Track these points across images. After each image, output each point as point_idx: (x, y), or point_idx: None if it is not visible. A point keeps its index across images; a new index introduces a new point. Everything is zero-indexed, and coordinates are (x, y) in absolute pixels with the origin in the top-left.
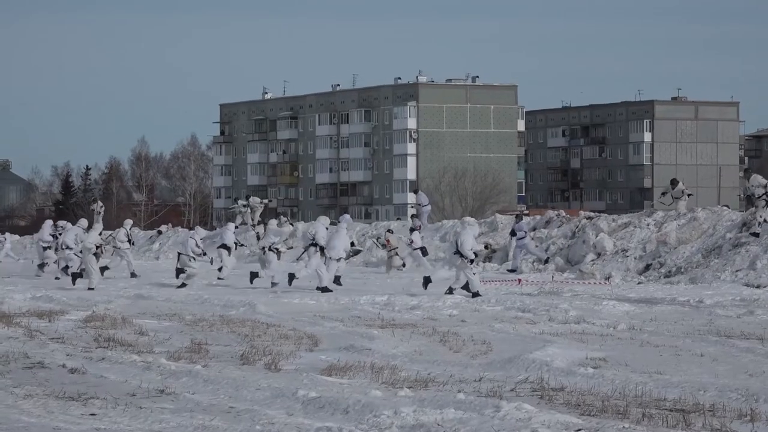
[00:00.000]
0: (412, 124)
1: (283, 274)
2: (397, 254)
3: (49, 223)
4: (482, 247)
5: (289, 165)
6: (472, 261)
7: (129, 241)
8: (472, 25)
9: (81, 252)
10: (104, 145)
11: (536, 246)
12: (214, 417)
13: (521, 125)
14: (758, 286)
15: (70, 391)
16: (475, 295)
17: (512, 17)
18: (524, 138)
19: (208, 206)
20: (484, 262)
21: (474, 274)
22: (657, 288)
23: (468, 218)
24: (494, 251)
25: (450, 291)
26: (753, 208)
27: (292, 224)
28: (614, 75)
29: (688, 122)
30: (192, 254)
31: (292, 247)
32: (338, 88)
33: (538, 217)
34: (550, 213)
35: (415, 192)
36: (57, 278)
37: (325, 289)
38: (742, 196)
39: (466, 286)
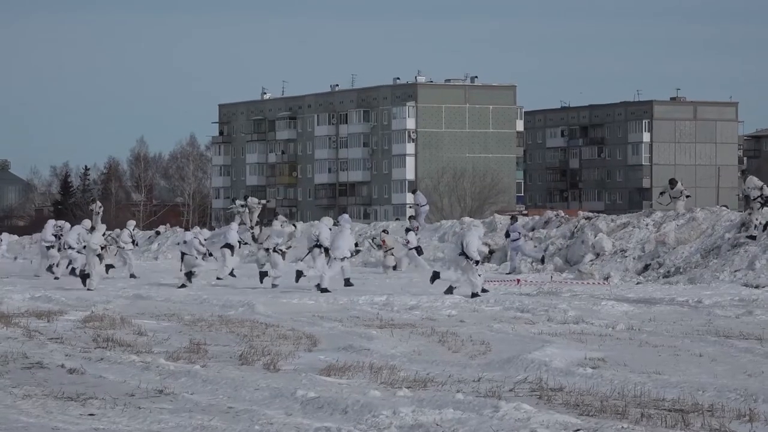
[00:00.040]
0: (410, 124)
1: (287, 273)
2: (392, 254)
3: (51, 222)
4: (487, 249)
5: (287, 165)
6: (477, 262)
7: (133, 242)
8: (470, 25)
9: (84, 251)
10: (103, 145)
11: (533, 247)
12: (212, 417)
13: (520, 125)
14: (757, 287)
15: (69, 392)
16: (474, 295)
17: (511, 17)
18: (523, 138)
19: (207, 206)
20: (482, 262)
21: (479, 275)
22: (656, 288)
23: (472, 220)
24: (492, 252)
25: (450, 291)
26: (749, 210)
27: (294, 225)
28: (613, 75)
29: (687, 122)
30: (197, 254)
31: (290, 247)
32: (337, 89)
33: (536, 217)
34: (549, 213)
35: (413, 192)
36: (56, 278)
37: (324, 290)
38: (740, 196)
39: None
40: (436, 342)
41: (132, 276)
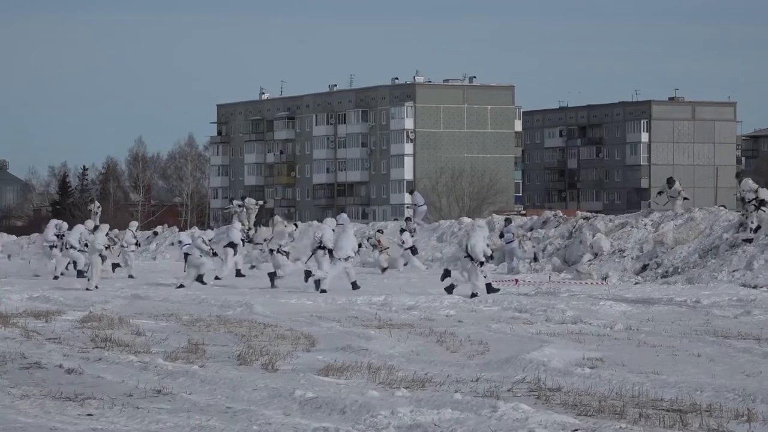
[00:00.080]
0: (409, 124)
1: (295, 272)
2: (388, 254)
3: (53, 222)
4: (490, 251)
5: (286, 165)
6: (482, 264)
7: (136, 242)
8: (469, 25)
9: (87, 250)
10: (101, 145)
11: (532, 247)
12: (211, 417)
13: (518, 125)
14: (755, 287)
15: (67, 392)
16: (473, 295)
17: (509, 18)
18: (521, 138)
19: (205, 206)
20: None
21: (485, 276)
22: (654, 288)
23: (477, 220)
24: (493, 251)
25: (450, 289)
26: (744, 212)
27: (295, 225)
28: (611, 75)
29: (685, 122)
30: (200, 253)
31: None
32: (335, 89)
33: (535, 217)
34: (547, 213)
35: (411, 192)
36: (56, 277)
37: (323, 291)
38: (738, 196)
39: (489, 287)
40: (435, 342)
41: (130, 276)
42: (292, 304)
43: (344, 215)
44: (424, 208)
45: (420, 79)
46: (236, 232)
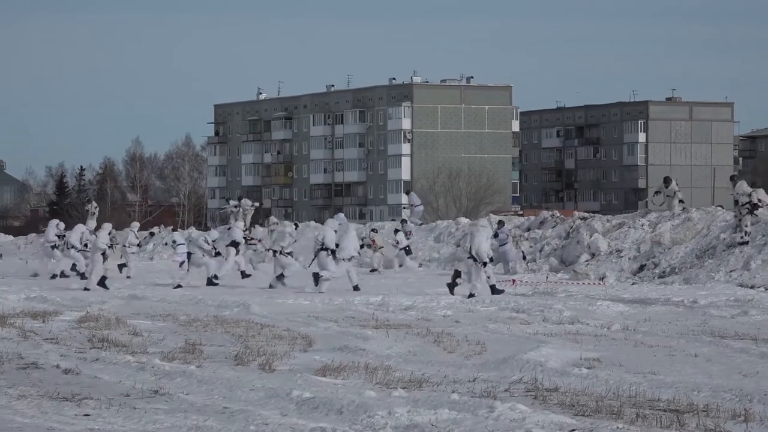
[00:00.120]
0: (406, 124)
1: (299, 272)
2: (383, 254)
3: (54, 222)
4: (492, 251)
5: (283, 165)
6: (485, 264)
7: (138, 243)
8: (466, 25)
9: (89, 249)
10: (98, 145)
11: (520, 251)
12: (208, 417)
13: (516, 126)
14: (752, 287)
15: (64, 392)
16: (471, 296)
17: (507, 18)
18: (518, 138)
19: (203, 207)
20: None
21: (488, 277)
22: (651, 288)
23: (479, 220)
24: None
25: (452, 288)
26: (737, 215)
27: (296, 224)
28: (608, 75)
29: (683, 123)
30: (202, 253)
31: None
32: (333, 89)
33: (532, 217)
34: (545, 213)
35: (407, 193)
36: (53, 276)
37: (320, 292)
38: (733, 197)
39: (494, 289)
40: (432, 342)
41: (127, 277)
42: (290, 305)
43: (341, 215)
44: (421, 208)
45: (417, 80)
46: (238, 231)
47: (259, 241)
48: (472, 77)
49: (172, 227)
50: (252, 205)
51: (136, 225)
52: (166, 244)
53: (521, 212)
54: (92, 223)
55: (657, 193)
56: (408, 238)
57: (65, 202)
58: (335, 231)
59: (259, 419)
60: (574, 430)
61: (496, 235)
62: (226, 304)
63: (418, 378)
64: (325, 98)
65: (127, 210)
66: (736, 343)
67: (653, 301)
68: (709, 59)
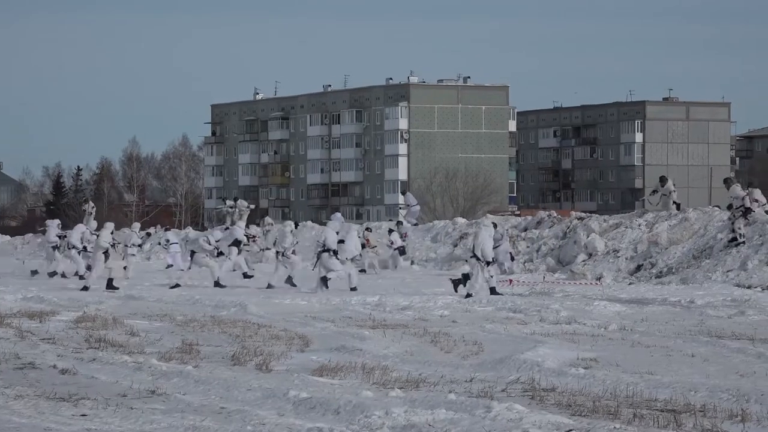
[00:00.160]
0: (403, 124)
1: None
2: (376, 253)
3: (55, 222)
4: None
5: (280, 165)
6: (489, 263)
7: (140, 244)
8: (463, 25)
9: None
10: (95, 145)
11: (517, 251)
12: (205, 417)
13: (512, 126)
14: (749, 287)
15: (61, 392)
16: (468, 296)
17: (503, 18)
18: (515, 138)
19: (199, 207)
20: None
21: (491, 276)
22: (648, 288)
23: (483, 219)
24: None
25: (457, 286)
26: (731, 217)
27: (296, 224)
28: (605, 76)
29: (680, 123)
30: (206, 253)
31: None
32: (330, 89)
33: (529, 217)
34: (542, 213)
35: (403, 193)
36: (52, 274)
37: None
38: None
39: (492, 290)
40: (429, 342)
41: (126, 277)
42: (286, 305)
43: (338, 215)
44: (417, 208)
45: (414, 80)
46: (240, 230)
47: (255, 240)
48: (468, 77)
49: (166, 227)
50: (247, 207)
51: (137, 225)
52: (159, 243)
53: (518, 212)
54: (94, 223)
55: (654, 192)
56: (404, 240)
57: (62, 202)
58: (337, 232)
59: (256, 419)
60: (571, 430)
61: None
62: (223, 304)
63: (415, 378)
64: (322, 98)
65: (123, 210)
66: (733, 343)
67: (650, 301)
68: (706, 59)
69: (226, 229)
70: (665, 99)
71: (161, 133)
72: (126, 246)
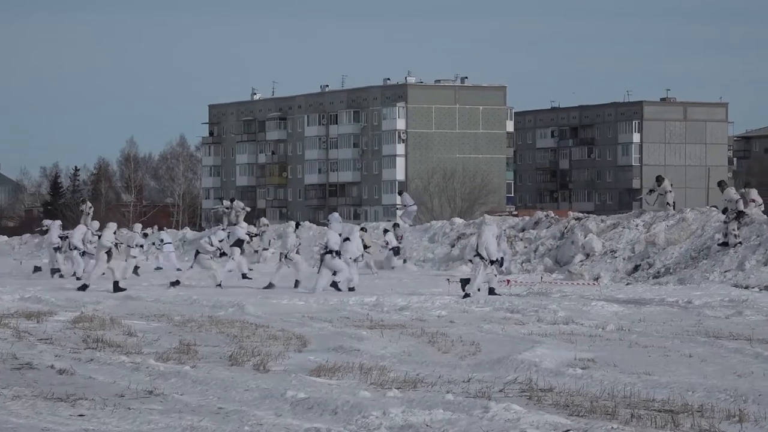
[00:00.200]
0: (400, 124)
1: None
2: (369, 253)
3: (57, 223)
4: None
5: (277, 166)
6: (492, 263)
7: (142, 244)
8: (461, 26)
9: (92, 249)
10: (93, 145)
11: (516, 251)
12: (202, 418)
13: (510, 126)
14: (747, 287)
15: (59, 392)
16: (466, 296)
17: (501, 18)
18: (513, 139)
19: (197, 207)
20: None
21: (495, 275)
22: (646, 289)
23: (486, 218)
24: None
25: (463, 285)
26: (726, 219)
27: (298, 224)
28: (603, 76)
29: (677, 123)
30: (210, 252)
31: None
32: (327, 89)
33: (526, 217)
34: (539, 214)
35: (400, 193)
36: (54, 270)
37: (336, 287)
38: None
39: (491, 290)
40: (426, 343)
41: (125, 278)
42: (284, 305)
43: (336, 214)
44: (414, 208)
45: (411, 80)
46: (241, 230)
47: (251, 240)
48: (466, 77)
49: (161, 228)
50: (243, 208)
51: (138, 226)
52: (153, 243)
53: (516, 212)
54: (95, 223)
55: (651, 191)
56: (400, 242)
57: (60, 202)
58: (339, 234)
59: (253, 420)
60: (568, 430)
61: None
62: (220, 304)
63: (412, 378)
64: (319, 98)
65: (121, 210)
66: (730, 344)
67: (648, 301)
68: (703, 60)
69: (223, 229)
70: (663, 99)
71: (159, 134)
72: (129, 246)
